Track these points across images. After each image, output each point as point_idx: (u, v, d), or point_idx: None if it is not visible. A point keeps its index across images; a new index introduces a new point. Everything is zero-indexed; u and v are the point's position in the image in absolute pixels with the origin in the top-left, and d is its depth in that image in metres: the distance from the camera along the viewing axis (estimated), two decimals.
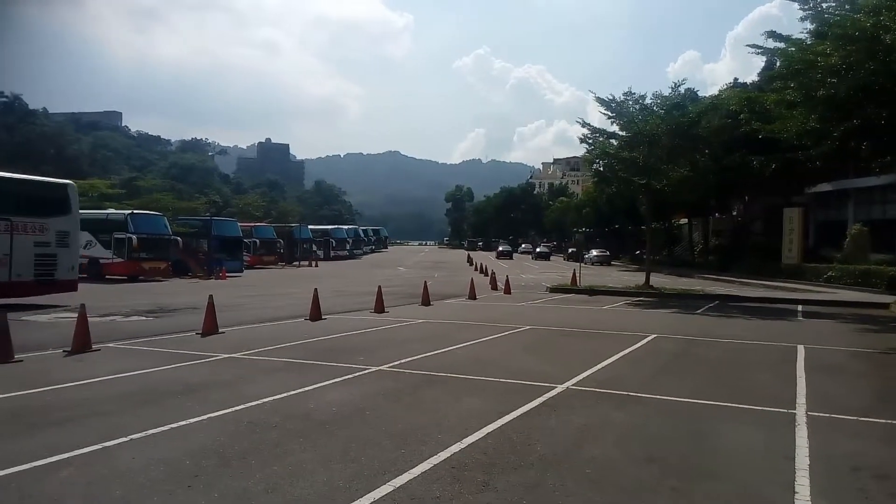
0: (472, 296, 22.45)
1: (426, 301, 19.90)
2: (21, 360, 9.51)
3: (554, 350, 11.55)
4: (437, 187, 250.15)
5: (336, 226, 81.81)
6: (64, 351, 10.33)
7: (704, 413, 7.04)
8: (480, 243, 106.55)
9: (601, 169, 32.14)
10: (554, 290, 26.41)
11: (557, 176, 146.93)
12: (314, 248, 61.92)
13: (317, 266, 52.90)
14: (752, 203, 47.76)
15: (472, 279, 25.48)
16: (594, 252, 61.55)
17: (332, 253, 67.88)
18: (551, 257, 73.95)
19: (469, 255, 71.10)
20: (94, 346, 10.53)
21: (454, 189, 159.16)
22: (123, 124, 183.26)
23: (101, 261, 30.93)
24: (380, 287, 18.40)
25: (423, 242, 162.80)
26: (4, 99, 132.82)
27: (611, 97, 26.43)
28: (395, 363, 9.64)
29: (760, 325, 16.09)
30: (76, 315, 10.90)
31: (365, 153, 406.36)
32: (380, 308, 17.37)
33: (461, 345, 11.71)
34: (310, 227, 68.13)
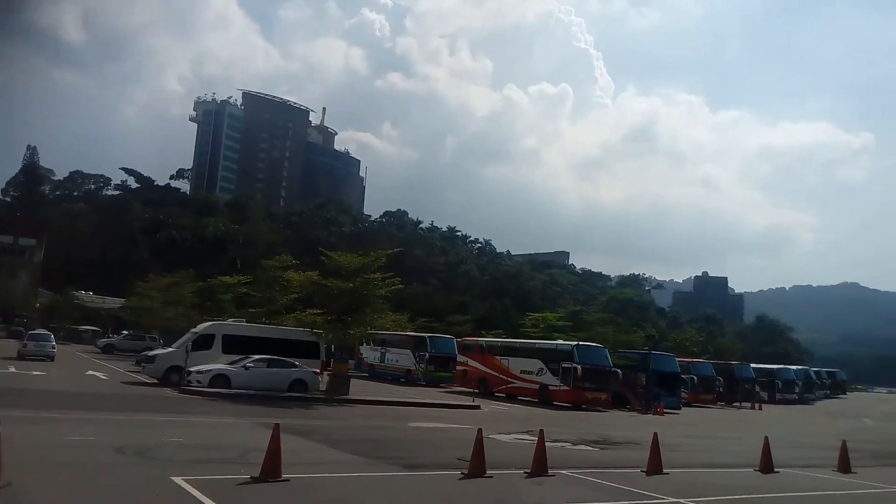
0: None
1: None
2: (491, 476, 10.81)
3: None
4: None
5: (782, 366, 74.32)
6: (525, 472, 11.40)
7: None
8: None
9: None
10: None
11: None
12: (757, 388, 57.28)
13: (760, 409, 48.68)
14: None
15: None
16: None
17: (777, 396, 61.54)
18: None
19: None
20: (549, 471, 11.39)
21: None
22: (570, 262, 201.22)
23: (550, 387, 33.41)
24: (844, 442, 15.99)
25: (894, 390, 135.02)
26: (479, 244, 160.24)
27: None
28: None
29: None
30: (533, 438, 12.02)
31: (815, 285, 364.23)
32: (844, 467, 15.02)
33: None
34: (752, 365, 63.37)
